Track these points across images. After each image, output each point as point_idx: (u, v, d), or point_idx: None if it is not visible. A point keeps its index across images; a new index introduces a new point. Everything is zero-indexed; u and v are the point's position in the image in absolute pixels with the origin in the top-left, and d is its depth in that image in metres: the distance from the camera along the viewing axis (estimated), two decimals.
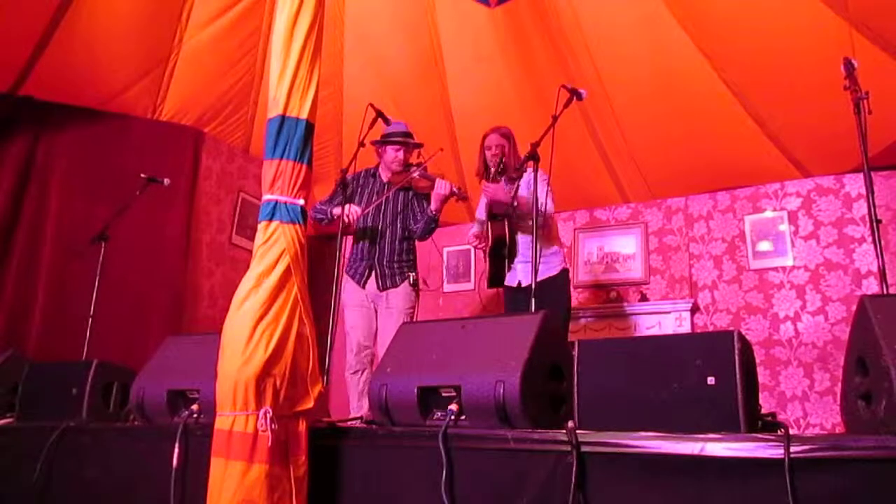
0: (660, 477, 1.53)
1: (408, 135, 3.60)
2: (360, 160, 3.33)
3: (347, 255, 3.57)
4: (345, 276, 3.53)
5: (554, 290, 3.32)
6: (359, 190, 3.59)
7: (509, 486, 1.68)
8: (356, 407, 3.32)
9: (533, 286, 2.70)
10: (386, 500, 1.86)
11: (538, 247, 2.79)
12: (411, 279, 3.45)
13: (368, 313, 3.45)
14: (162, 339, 2.65)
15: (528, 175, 3.28)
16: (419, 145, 3.63)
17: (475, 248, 3.59)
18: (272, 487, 1.75)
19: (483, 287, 3.53)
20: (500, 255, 3.34)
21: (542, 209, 3.02)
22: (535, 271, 2.74)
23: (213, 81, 5.03)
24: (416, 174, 3.48)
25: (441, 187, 3.33)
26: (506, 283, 3.43)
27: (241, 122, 5.47)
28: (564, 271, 3.46)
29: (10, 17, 3.97)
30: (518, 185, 3.36)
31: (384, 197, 3.49)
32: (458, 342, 1.98)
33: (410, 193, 3.55)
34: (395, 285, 3.42)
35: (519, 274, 3.40)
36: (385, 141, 3.55)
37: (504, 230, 3.34)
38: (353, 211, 3.35)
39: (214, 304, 5.30)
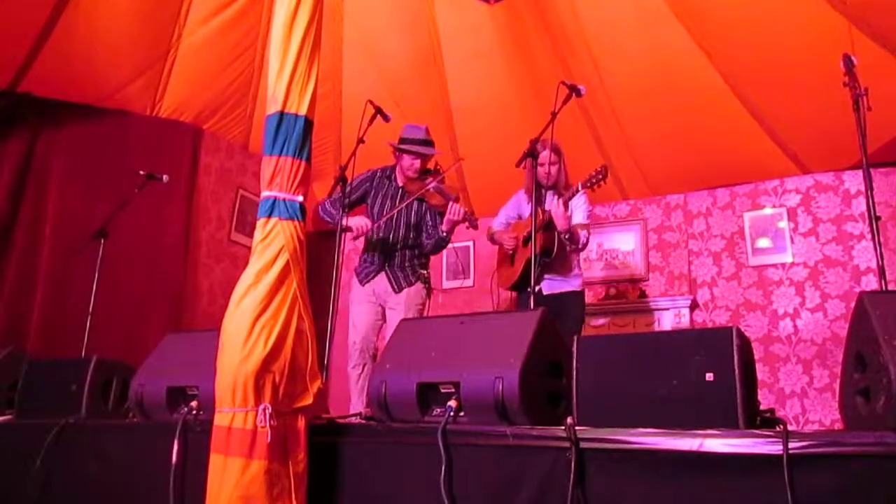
0: (659, 473, 1.53)
1: (427, 142, 3.55)
2: (359, 157, 3.32)
3: (357, 258, 3.63)
4: (354, 278, 3.55)
5: (576, 303, 3.53)
6: (373, 192, 3.58)
7: (508, 483, 1.68)
8: (356, 403, 3.33)
9: (532, 289, 2.75)
10: (385, 497, 1.86)
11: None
12: (423, 277, 3.47)
13: (374, 309, 3.45)
14: (161, 335, 2.65)
15: (577, 199, 3.46)
16: (434, 153, 3.61)
17: (509, 248, 3.67)
18: (271, 484, 1.75)
19: (482, 284, 3.55)
20: (542, 262, 3.39)
21: (585, 237, 3.45)
22: (534, 277, 2.79)
23: (212, 78, 5.02)
24: (431, 187, 3.44)
25: (454, 213, 3.31)
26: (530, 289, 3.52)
27: (240, 119, 5.46)
28: (583, 291, 3.64)
29: (8, 14, 3.95)
30: (570, 215, 3.47)
31: (397, 210, 3.48)
32: (457, 338, 1.98)
33: (425, 204, 3.54)
34: (409, 284, 3.45)
35: (544, 285, 3.48)
36: (402, 150, 3.51)
37: (553, 242, 3.45)
38: (363, 224, 3.38)
39: (213, 300, 5.29)
